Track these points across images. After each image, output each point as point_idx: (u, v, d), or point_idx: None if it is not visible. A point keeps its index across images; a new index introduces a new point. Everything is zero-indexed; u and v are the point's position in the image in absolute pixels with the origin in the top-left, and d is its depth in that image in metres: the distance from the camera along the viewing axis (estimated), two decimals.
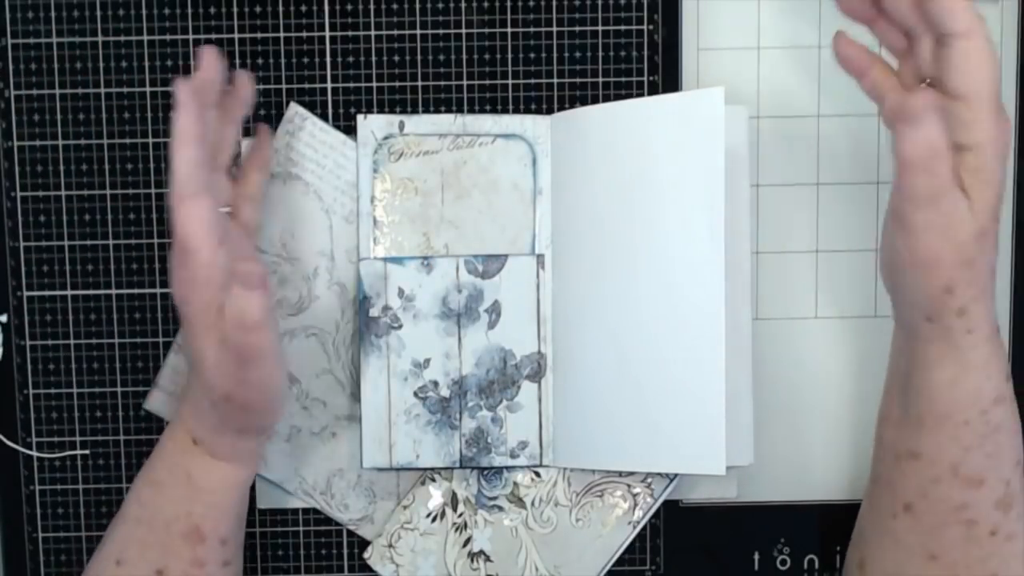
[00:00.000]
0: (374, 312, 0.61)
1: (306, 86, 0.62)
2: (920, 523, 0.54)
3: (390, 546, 0.63)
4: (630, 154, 0.59)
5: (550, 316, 0.62)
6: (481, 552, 0.63)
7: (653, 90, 0.62)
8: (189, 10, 0.62)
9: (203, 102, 0.52)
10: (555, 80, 0.62)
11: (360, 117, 0.61)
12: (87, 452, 0.64)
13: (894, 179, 0.50)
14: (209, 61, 0.53)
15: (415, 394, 0.61)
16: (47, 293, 0.63)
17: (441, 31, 0.62)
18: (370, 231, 0.61)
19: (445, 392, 0.62)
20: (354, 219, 0.62)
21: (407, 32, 0.62)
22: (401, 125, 0.61)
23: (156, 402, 0.64)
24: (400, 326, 0.61)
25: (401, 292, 0.61)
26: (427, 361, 0.61)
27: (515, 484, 0.63)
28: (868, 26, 0.53)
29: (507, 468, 0.63)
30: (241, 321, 0.50)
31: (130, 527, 0.57)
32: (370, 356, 0.61)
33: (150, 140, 0.63)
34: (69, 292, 0.63)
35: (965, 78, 0.48)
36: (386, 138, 0.61)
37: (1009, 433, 0.53)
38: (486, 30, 0.62)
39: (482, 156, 0.61)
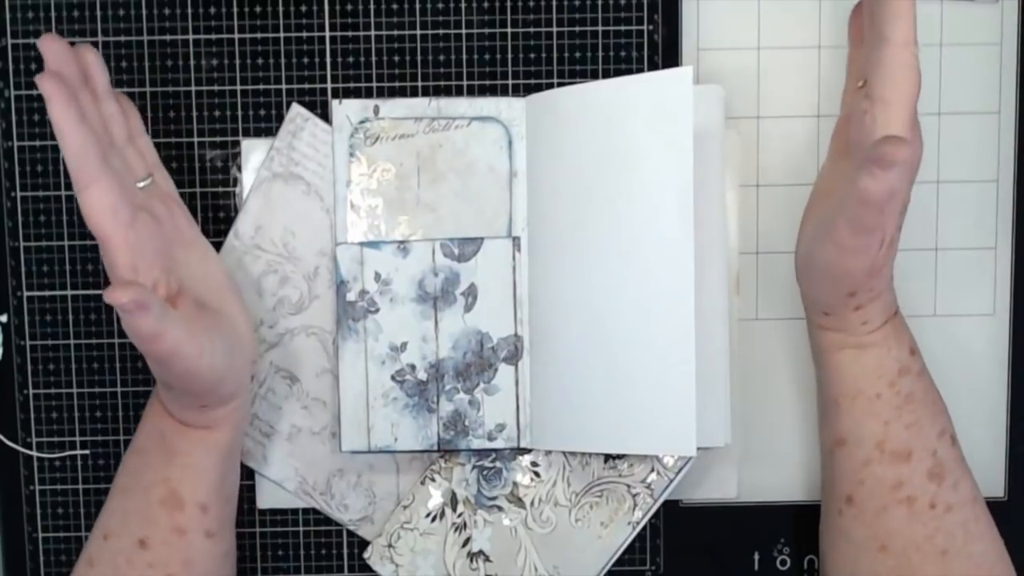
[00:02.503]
0: (351, 296, 0.61)
1: (306, 86, 0.62)
2: (863, 512, 0.56)
3: (390, 546, 0.63)
4: (602, 135, 0.59)
5: (526, 299, 0.62)
6: (480, 552, 0.63)
7: None
8: (189, 10, 0.62)
9: (68, 90, 0.49)
10: (555, 80, 0.62)
11: (335, 102, 0.61)
12: (87, 452, 0.64)
13: (841, 199, 0.52)
14: (51, 51, 0.52)
15: (392, 377, 0.62)
16: (47, 293, 0.63)
17: (441, 31, 0.62)
18: (346, 215, 0.61)
19: (422, 375, 0.62)
20: None
21: (407, 32, 0.62)
22: (376, 109, 0.61)
23: None
24: (377, 310, 0.61)
25: (378, 276, 0.61)
26: (404, 344, 0.62)
27: (515, 484, 0.63)
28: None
29: (506, 468, 0.63)
30: (136, 339, 0.50)
31: (116, 498, 0.57)
32: (348, 340, 0.61)
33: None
34: (69, 292, 0.63)
35: (887, 83, 0.50)
36: (362, 122, 0.61)
37: (924, 403, 0.56)
38: (486, 30, 0.62)
39: (458, 139, 0.61)
